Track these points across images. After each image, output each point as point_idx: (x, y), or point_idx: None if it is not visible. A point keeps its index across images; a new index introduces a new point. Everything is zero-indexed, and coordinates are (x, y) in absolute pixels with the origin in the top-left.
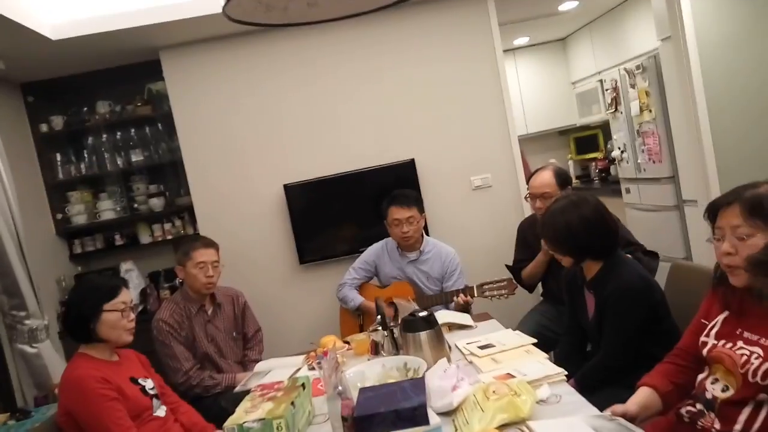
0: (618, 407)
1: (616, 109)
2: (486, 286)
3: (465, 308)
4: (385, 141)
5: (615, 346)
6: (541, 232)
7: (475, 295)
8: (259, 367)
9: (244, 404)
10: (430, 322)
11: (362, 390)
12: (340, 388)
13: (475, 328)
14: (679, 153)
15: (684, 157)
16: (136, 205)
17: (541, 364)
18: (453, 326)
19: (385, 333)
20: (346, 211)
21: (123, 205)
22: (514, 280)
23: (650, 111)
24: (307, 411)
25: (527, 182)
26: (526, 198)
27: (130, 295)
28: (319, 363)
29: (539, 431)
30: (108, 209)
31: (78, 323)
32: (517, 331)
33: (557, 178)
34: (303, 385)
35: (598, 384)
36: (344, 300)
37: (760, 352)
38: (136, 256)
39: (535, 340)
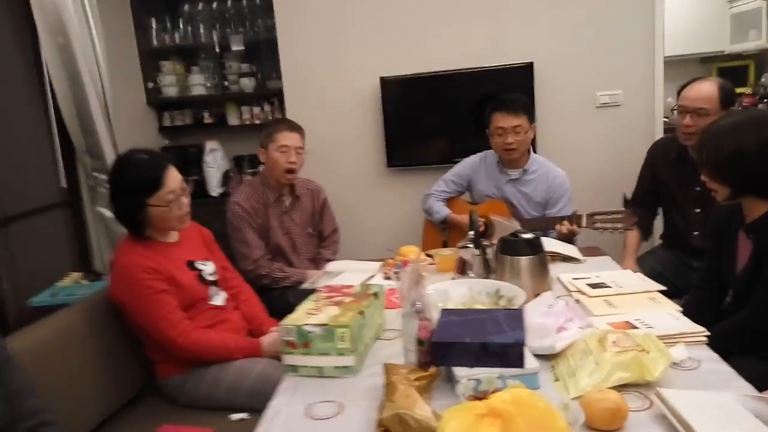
0: None
1: None
2: (598, 216)
3: (569, 239)
4: (500, 38)
5: None
6: (700, 151)
7: (584, 224)
8: (332, 266)
9: (307, 304)
10: (535, 247)
11: (445, 311)
12: (419, 305)
13: (584, 263)
14: None
15: None
16: (227, 84)
17: (673, 317)
18: (556, 257)
19: (477, 252)
20: (445, 116)
21: (214, 83)
22: (633, 214)
23: None
24: (376, 324)
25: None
26: (672, 110)
27: (178, 178)
28: (396, 273)
29: (674, 403)
30: (199, 84)
31: (124, 217)
32: (639, 273)
33: (721, 93)
34: (376, 294)
35: (736, 349)
36: (429, 211)
37: None
38: (223, 137)
39: (664, 288)
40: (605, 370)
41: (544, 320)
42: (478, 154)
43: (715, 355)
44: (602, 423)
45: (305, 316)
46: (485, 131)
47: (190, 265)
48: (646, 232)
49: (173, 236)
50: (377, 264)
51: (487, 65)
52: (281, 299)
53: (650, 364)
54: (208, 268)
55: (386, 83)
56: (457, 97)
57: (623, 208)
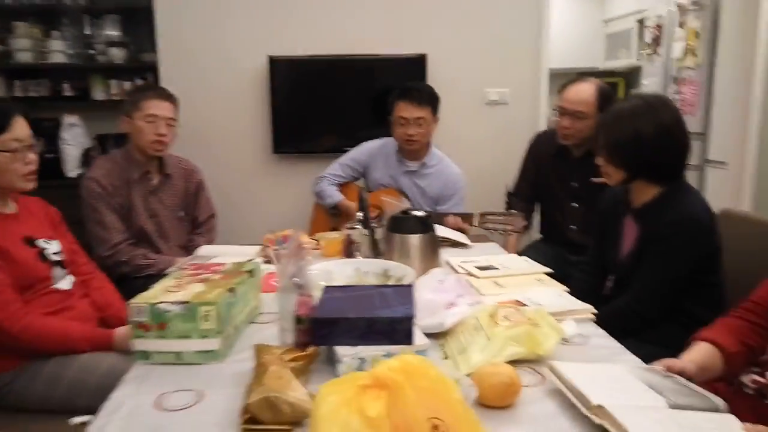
0: (674, 362)
1: (655, 51)
2: (489, 217)
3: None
4: (395, 27)
5: (650, 289)
6: (598, 133)
7: (475, 223)
8: (202, 251)
9: (166, 282)
10: (426, 225)
11: (328, 288)
12: (299, 279)
13: (472, 248)
14: (718, 106)
15: (722, 112)
16: (93, 53)
17: (560, 296)
18: (445, 242)
19: (365, 232)
20: (337, 103)
21: (78, 51)
22: (524, 218)
23: (695, 55)
24: (250, 305)
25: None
26: (553, 110)
27: (27, 130)
28: (276, 250)
29: (567, 374)
30: (59, 51)
31: None
32: (525, 257)
33: (600, 96)
34: (251, 271)
35: (618, 332)
36: (320, 195)
37: None
38: (86, 112)
39: (550, 270)
40: (497, 345)
41: (434, 296)
42: (378, 141)
43: (603, 332)
44: (495, 398)
45: (162, 293)
46: (382, 120)
47: (29, 241)
48: (524, 226)
49: (10, 207)
50: (256, 248)
51: (381, 53)
52: (144, 289)
53: (542, 338)
54: (52, 246)
55: (275, 63)
56: (350, 84)
57: (514, 211)
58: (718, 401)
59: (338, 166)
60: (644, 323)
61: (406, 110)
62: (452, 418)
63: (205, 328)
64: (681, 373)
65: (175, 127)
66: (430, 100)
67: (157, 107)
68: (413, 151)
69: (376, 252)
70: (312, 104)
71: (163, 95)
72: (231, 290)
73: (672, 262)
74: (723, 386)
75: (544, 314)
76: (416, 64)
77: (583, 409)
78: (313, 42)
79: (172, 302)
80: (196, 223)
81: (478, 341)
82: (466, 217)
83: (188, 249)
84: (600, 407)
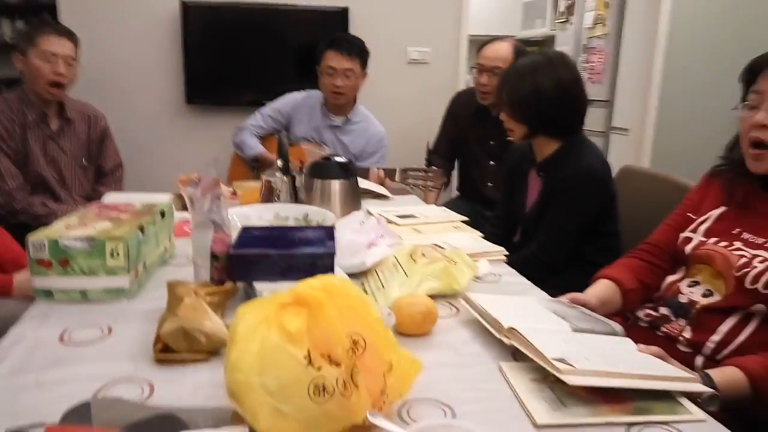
0: (577, 296)
1: (567, 20)
2: (411, 172)
3: None
4: None
5: (554, 237)
6: (500, 89)
7: (397, 179)
8: (108, 199)
9: (68, 219)
10: (347, 171)
11: (246, 228)
12: (214, 215)
13: (392, 200)
14: (623, 76)
15: (626, 82)
16: None
17: (475, 240)
18: (366, 194)
19: (285, 178)
20: (255, 53)
21: None
22: (444, 175)
23: (604, 25)
24: (162, 247)
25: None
26: (472, 69)
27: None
28: (191, 191)
29: (481, 304)
30: None
31: None
32: (444, 207)
33: (516, 54)
34: (163, 212)
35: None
36: (241, 145)
37: (766, 255)
38: None
39: (467, 218)
40: (416, 280)
41: (355, 237)
42: (302, 93)
43: (513, 270)
44: (413, 326)
45: (64, 229)
46: (303, 73)
47: None
48: (444, 183)
49: None
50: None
51: (302, 4)
52: None
53: (458, 274)
54: None
55: (189, 8)
56: (269, 35)
57: (434, 167)
58: (616, 326)
59: (260, 117)
60: (549, 270)
61: (335, 60)
62: (372, 335)
63: (113, 264)
64: (584, 305)
65: (76, 68)
66: (360, 53)
67: (56, 44)
68: (339, 105)
69: (296, 199)
70: (228, 54)
71: (62, 31)
72: (141, 228)
73: (572, 211)
74: (620, 320)
75: (460, 253)
76: (338, 18)
77: (496, 333)
78: None
79: (75, 238)
80: (101, 172)
81: (397, 278)
82: (388, 172)
83: (92, 200)
84: (511, 330)
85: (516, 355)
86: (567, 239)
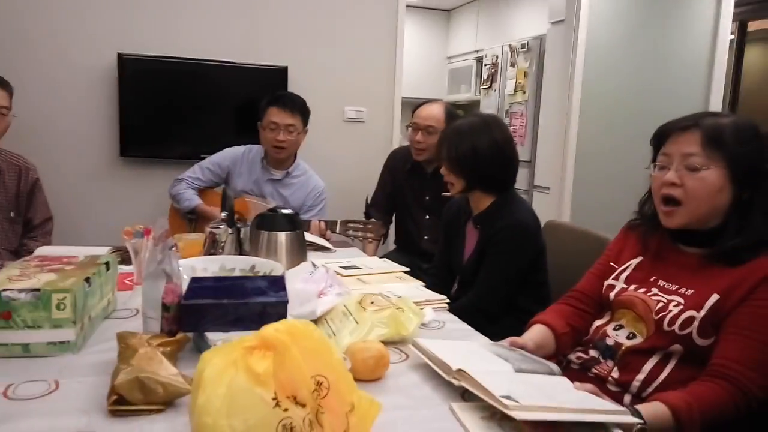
0: (516, 339)
1: (491, 86)
2: (351, 224)
3: None
4: (257, 36)
5: (490, 287)
6: (441, 146)
7: (338, 230)
8: (42, 251)
9: (8, 271)
10: (293, 222)
11: (195, 279)
12: (166, 266)
13: (334, 252)
14: (542, 139)
15: (546, 143)
16: None
17: (419, 289)
18: (309, 246)
19: (230, 230)
20: (193, 108)
21: None
22: (383, 227)
23: (524, 92)
24: (105, 299)
25: None
26: (407, 127)
27: None
28: (135, 242)
29: (429, 348)
30: None
31: None
32: (385, 258)
33: (447, 115)
34: (107, 263)
35: None
36: (177, 198)
37: (680, 300)
38: None
39: (408, 269)
40: (366, 328)
41: (305, 286)
42: (242, 147)
43: (456, 318)
44: (366, 372)
45: (5, 281)
46: (242, 129)
47: None
48: (383, 235)
49: None
50: (106, 248)
51: (242, 62)
52: None
53: (405, 320)
54: None
55: (125, 62)
56: (208, 91)
57: (373, 220)
58: (554, 366)
59: (198, 170)
60: (486, 318)
61: (277, 116)
62: (334, 376)
63: (59, 317)
64: (522, 348)
65: (8, 117)
66: (302, 110)
67: None
68: (280, 159)
69: (240, 251)
70: (165, 108)
71: None
72: (87, 280)
73: (507, 261)
74: (555, 362)
75: (406, 301)
76: (278, 76)
77: (445, 375)
78: (169, 43)
79: (19, 290)
80: (29, 225)
81: (347, 325)
82: (329, 225)
83: (19, 254)
84: (460, 371)
85: (465, 395)
86: (503, 288)
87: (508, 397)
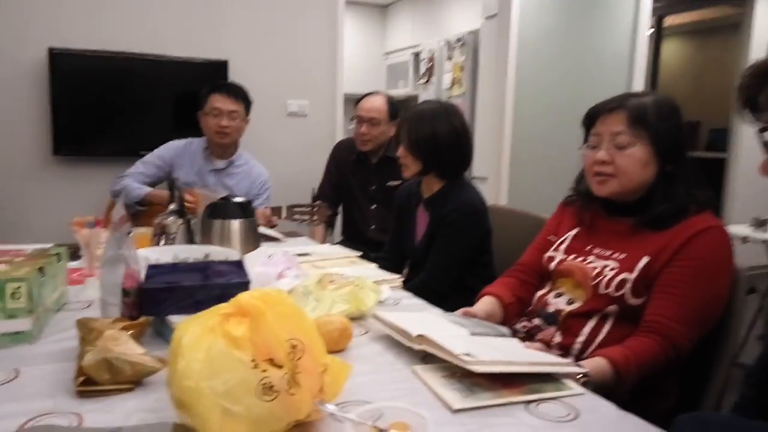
0: (468, 310)
1: (428, 81)
2: (297, 209)
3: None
4: (195, 30)
5: (441, 267)
6: (401, 128)
7: (284, 216)
8: None
9: None
10: (246, 210)
11: (152, 266)
12: (125, 251)
13: (285, 242)
14: (479, 130)
15: (483, 135)
16: None
17: (372, 270)
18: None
19: (180, 221)
20: (130, 104)
21: None
22: (328, 208)
23: (461, 85)
24: (59, 290)
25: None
26: (351, 120)
27: None
28: (87, 233)
29: (390, 319)
30: None
31: None
32: (338, 245)
33: (389, 106)
34: (58, 254)
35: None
36: (126, 191)
37: (614, 264)
38: None
39: (361, 252)
40: (326, 304)
41: (264, 269)
42: (183, 140)
43: (410, 294)
44: (331, 343)
45: None
46: (182, 124)
47: None
48: (329, 226)
49: None
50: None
51: (179, 55)
52: None
53: (365, 297)
54: None
55: (57, 57)
56: (146, 85)
57: (319, 202)
58: (505, 330)
59: (141, 165)
60: (437, 297)
61: (220, 101)
62: (308, 340)
63: (14, 307)
64: (474, 317)
65: None
66: (244, 97)
67: None
68: (223, 146)
69: (191, 241)
70: (100, 105)
71: None
72: (40, 269)
73: (456, 242)
74: None
75: (364, 279)
76: (218, 69)
77: (406, 342)
78: (102, 37)
79: None
80: None
81: (308, 304)
82: (275, 210)
83: None
84: (420, 336)
85: (425, 359)
86: (453, 268)
87: (467, 354)
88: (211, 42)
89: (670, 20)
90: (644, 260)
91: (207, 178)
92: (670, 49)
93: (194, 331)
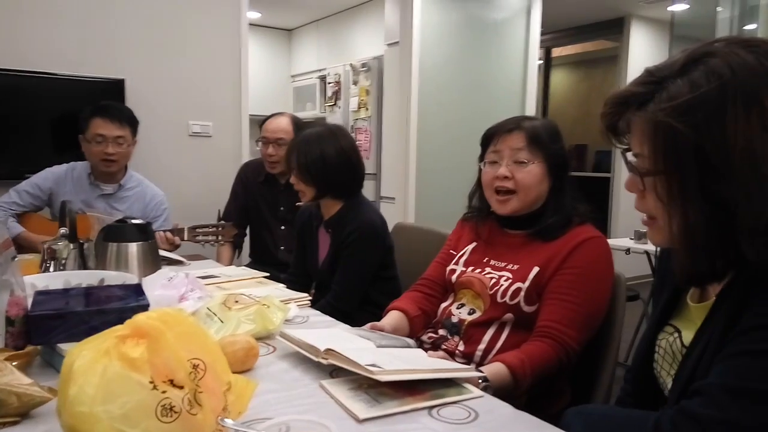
0: (375, 324)
1: (335, 104)
2: (199, 230)
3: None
4: (88, 47)
5: (347, 287)
6: (290, 155)
7: (186, 237)
8: None
9: None
10: (145, 232)
11: (39, 292)
12: (9, 277)
13: (188, 265)
14: (386, 152)
15: (389, 157)
16: None
17: (280, 290)
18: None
19: (72, 245)
20: (16, 124)
21: None
22: (233, 227)
23: (367, 109)
24: None
25: None
26: (257, 142)
27: None
28: None
29: (297, 336)
30: None
31: None
32: (243, 267)
33: (294, 126)
34: None
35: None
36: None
37: (509, 275)
38: None
39: (268, 274)
40: (232, 325)
41: (165, 292)
42: (63, 166)
43: (318, 312)
44: (237, 364)
45: None
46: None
47: None
48: (237, 248)
49: None
50: None
51: (72, 73)
52: None
53: (271, 315)
54: None
55: None
56: (32, 105)
57: (223, 222)
58: (410, 341)
59: (15, 194)
60: (344, 316)
61: (104, 127)
62: (210, 358)
63: None
64: (381, 331)
65: None
66: (130, 120)
67: None
68: (111, 173)
69: (84, 266)
70: None
71: None
72: None
73: (360, 261)
74: None
75: (270, 298)
76: (113, 88)
77: (314, 357)
78: None
79: None
80: None
81: (212, 326)
82: (176, 232)
83: None
84: (328, 350)
85: (333, 373)
86: (358, 287)
87: (373, 365)
88: (107, 60)
89: (557, 52)
90: (535, 270)
91: (95, 204)
92: (558, 77)
93: (87, 355)
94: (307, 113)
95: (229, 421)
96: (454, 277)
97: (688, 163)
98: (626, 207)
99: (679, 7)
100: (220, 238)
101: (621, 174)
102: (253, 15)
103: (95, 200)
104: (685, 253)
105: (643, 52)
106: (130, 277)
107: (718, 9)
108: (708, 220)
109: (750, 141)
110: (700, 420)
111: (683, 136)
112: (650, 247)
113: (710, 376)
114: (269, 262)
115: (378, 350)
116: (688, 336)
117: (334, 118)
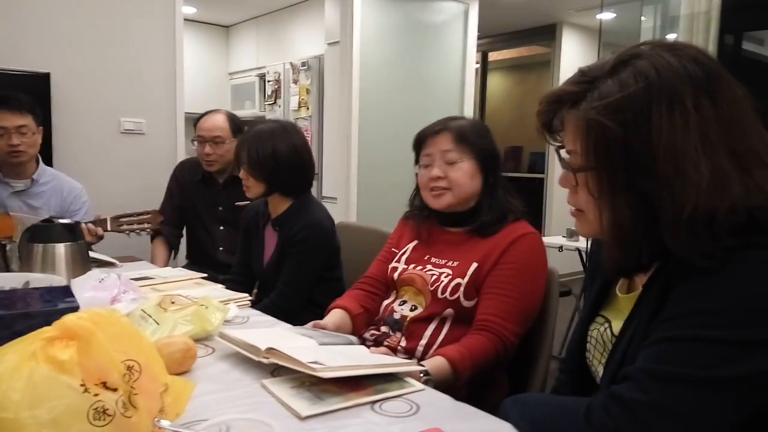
0: (317, 322)
1: (275, 102)
2: (123, 219)
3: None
4: (9, 39)
5: (292, 286)
6: (241, 150)
7: (109, 228)
8: None
9: None
10: (74, 232)
11: None
12: None
13: (120, 267)
14: (327, 152)
15: (331, 156)
16: None
17: (219, 291)
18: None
19: None
20: None
21: None
22: (160, 214)
23: (308, 108)
24: None
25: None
26: (193, 141)
27: None
28: None
29: (237, 336)
30: None
31: None
32: (180, 268)
33: (231, 123)
34: None
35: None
36: None
37: (449, 271)
38: None
39: (206, 275)
40: (168, 327)
41: (96, 293)
42: None
43: (259, 312)
44: (174, 366)
45: None
46: None
47: None
48: (173, 248)
49: None
50: None
51: None
52: None
53: (210, 316)
54: None
55: None
56: None
57: (149, 209)
58: (352, 338)
59: None
60: (288, 316)
61: (4, 119)
62: (145, 359)
63: None
64: (323, 329)
65: None
66: (30, 108)
67: None
68: (19, 165)
69: (7, 269)
70: None
71: None
72: None
73: (306, 260)
74: None
75: (209, 299)
76: (38, 83)
77: (254, 357)
78: None
79: None
80: None
81: (147, 328)
82: (98, 223)
83: None
84: (269, 349)
85: (274, 372)
86: (303, 286)
87: (315, 363)
88: (31, 53)
89: (493, 56)
90: (474, 266)
91: (9, 202)
92: (495, 81)
93: (11, 359)
94: (246, 111)
95: (165, 423)
96: (396, 275)
97: (617, 159)
98: (559, 206)
99: (606, 16)
100: (147, 225)
101: (554, 174)
102: (189, 10)
103: (8, 199)
104: (614, 245)
105: (573, 57)
106: (58, 279)
107: (642, 18)
108: (635, 213)
109: (673, 138)
110: (627, 403)
111: (613, 133)
112: (582, 244)
113: (636, 362)
114: (207, 263)
115: (320, 348)
116: (617, 326)
117: (274, 116)
